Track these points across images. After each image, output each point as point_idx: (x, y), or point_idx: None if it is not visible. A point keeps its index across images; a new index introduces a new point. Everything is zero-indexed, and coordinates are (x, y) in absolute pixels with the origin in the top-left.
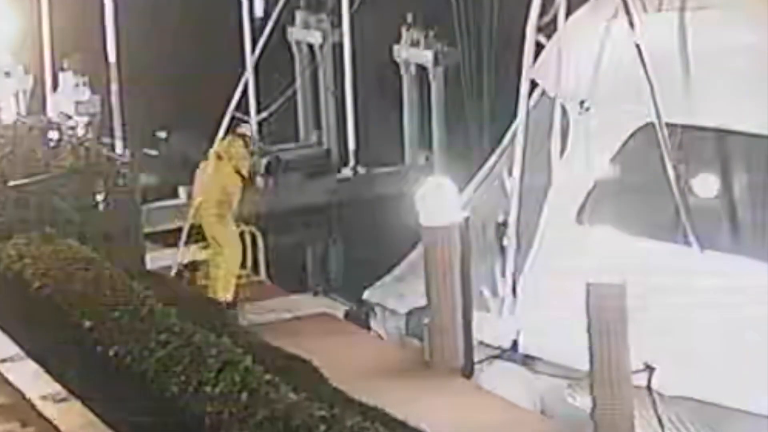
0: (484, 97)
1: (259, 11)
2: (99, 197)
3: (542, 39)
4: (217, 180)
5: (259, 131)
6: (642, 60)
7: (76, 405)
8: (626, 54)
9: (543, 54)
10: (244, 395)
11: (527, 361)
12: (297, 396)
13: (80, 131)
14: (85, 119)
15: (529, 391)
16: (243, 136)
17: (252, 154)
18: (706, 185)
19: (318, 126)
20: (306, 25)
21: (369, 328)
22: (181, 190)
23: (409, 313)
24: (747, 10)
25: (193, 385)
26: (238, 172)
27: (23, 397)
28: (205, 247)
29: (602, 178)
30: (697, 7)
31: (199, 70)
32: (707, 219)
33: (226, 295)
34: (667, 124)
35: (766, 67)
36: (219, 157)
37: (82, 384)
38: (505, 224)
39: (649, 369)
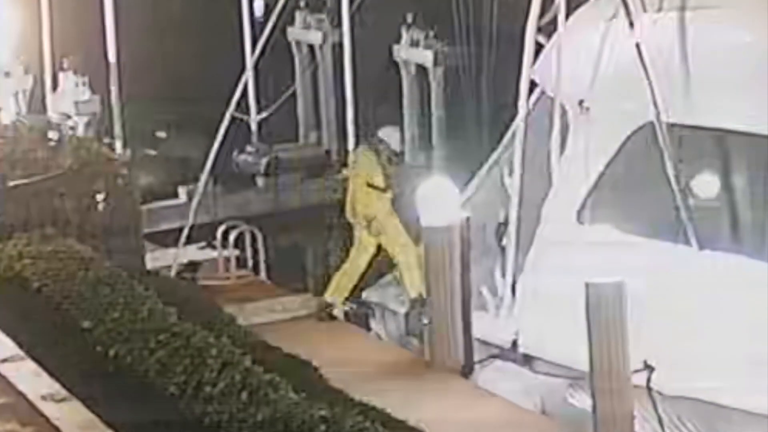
0: (484, 97)
1: (259, 11)
2: (99, 197)
3: (542, 39)
4: (357, 197)
5: (259, 131)
6: (642, 60)
7: (76, 405)
8: (626, 54)
9: (543, 54)
10: (244, 395)
11: (527, 360)
12: (297, 396)
13: (80, 131)
14: (85, 119)
15: (528, 391)
16: (375, 143)
17: (389, 161)
18: (706, 185)
19: (318, 126)
20: (306, 25)
21: (369, 328)
22: (181, 190)
23: (408, 313)
24: (747, 10)
25: (193, 385)
26: (371, 185)
27: (23, 397)
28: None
29: (602, 178)
30: (697, 6)
31: (199, 70)
32: (707, 219)
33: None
34: (667, 124)
35: (766, 67)
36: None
37: (82, 384)
38: (505, 224)
39: (649, 368)
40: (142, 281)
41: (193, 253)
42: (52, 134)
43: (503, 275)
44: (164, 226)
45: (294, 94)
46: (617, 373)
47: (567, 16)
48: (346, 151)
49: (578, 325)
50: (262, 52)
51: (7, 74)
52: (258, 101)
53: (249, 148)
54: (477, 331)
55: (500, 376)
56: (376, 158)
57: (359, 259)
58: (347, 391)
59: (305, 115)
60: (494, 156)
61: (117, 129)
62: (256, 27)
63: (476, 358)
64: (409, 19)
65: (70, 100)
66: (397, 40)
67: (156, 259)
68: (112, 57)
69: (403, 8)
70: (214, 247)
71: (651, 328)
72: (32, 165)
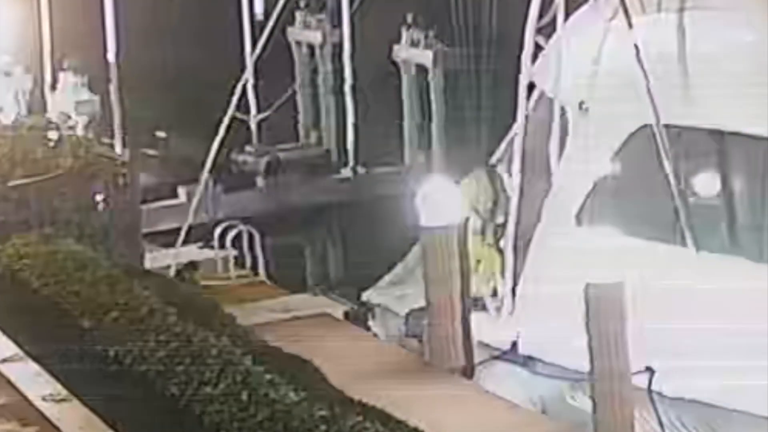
0: (484, 97)
1: (259, 11)
2: (99, 197)
3: (541, 40)
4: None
5: (259, 131)
6: (640, 61)
7: (76, 405)
8: (625, 55)
9: (542, 55)
10: (244, 395)
11: (527, 361)
12: (297, 396)
13: (80, 131)
14: (85, 119)
15: (529, 392)
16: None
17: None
18: (704, 186)
19: (318, 126)
20: (306, 25)
21: (369, 328)
22: (181, 190)
23: (409, 314)
24: (746, 10)
25: (193, 386)
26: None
27: (23, 397)
28: None
29: (601, 179)
30: (696, 7)
31: (199, 70)
32: (705, 220)
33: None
34: (666, 125)
35: (765, 67)
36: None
37: (82, 384)
38: (504, 225)
39: (650, 370)
40: (142, 281)
41: (192, 252)
42: (52, 134)
43: (503, 276)
44: (164, 226)
45: (294, 94)
46: (617, 374)
47: (566, 16)
48: (346, 151)
49: (578, 327)
50: (262, 52)
51: (7, 74)
52: (258, 101)
53: (249, 148)
54: (477, 332)
55: (500, 377)
56: (491, 188)
57: None
58: (347, 391)
59: (305, 115)
60: (494, 157)
61: (117, 129)
62: (256, 27)
63: (477, 359)
64: (409, 19)
65: (70, 100)
66: (397, 40)
67: (156, 259)
68: (112, 57)
69: (403, 8)
70: (213, 247)
71: (650, 328)
72: (32, 165)
